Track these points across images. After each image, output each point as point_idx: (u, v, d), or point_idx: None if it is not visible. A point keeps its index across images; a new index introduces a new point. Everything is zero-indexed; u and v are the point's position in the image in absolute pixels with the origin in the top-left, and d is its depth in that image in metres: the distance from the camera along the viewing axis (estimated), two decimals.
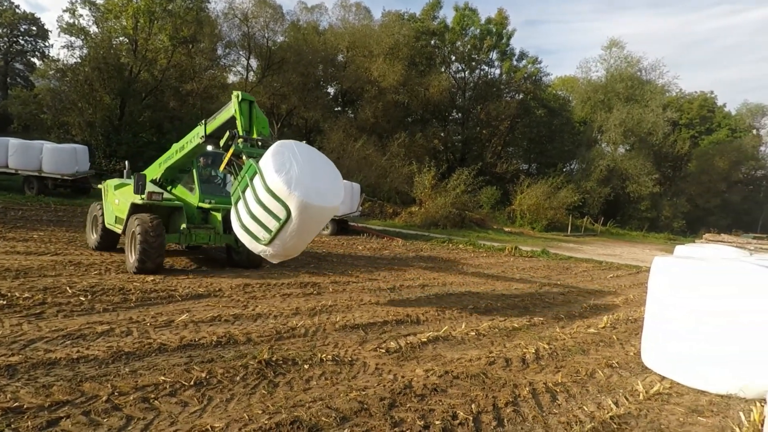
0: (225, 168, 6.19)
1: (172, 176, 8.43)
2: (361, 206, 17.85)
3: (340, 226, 15.94)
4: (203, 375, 3.66)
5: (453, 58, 36.94)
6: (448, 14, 51.37)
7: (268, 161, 5.38)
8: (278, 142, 5.72)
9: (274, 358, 4.13)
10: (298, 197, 5.18)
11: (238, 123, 6.43)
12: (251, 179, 5.53)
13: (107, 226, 8.50)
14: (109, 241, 8.72)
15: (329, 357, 4.32)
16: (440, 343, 5.13)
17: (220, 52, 30.09)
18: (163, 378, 3.54)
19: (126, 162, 9.66)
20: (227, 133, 6.16)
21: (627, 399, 4.00)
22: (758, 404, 3.90)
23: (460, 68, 37.21)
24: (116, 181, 8.96)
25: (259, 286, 7.02)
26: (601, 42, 59.19)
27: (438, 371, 4.21)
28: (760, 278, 4.09)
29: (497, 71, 37.93)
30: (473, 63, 36.57)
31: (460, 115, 38.39)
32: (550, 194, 28.83)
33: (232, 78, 32.21)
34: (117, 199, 8.20)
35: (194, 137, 7.24)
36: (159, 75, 27.09)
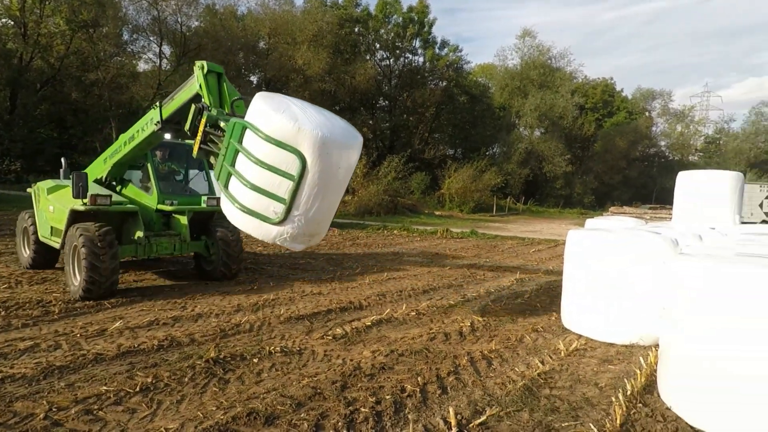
0: (200, 150, 4.74)
1: (121, 174, 7.03)
2: None
3: None
4: (149, 380, 3.58)
5: (377, 46, 37.17)
6: (371, 1, 51.28)
7: (259, 106, 4.04)
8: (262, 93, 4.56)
9: (221, 356, 4.13)
10: (312, 131, 3.84)
11: (206, 101, 5.22)
12: (240, 141, 4.11)
13: (41, 239, 7.09)
14: (47, 258, 7.36)
15: (277, 349, 4.39)
16: (384, 326, 5.38)
17: (126, 37, 27.78)
18: (104, 388, 3.41)
19: (63, 159, 8.19)
20: (192, 108, 4.89)
21: (551, 357, 4.51)
22: (654, 349, 4.58)
23: (384, 56, 37.56)
24: (50, 183, 7.31)
25: (196, 286, 6.83)
26: (515, 31, 62.25)
27: (384, 351, 4.45)
28: (649, 245, 4.78)
29: (421, 59, 38.82)
30: (397, 51, 37.08)
31: (387, 102, 38.88)
32: (475, 177, 30.33)
33: (143, 66, 29.95)
34: (51, 206, 6.77)
35: (147, 124, 5.95)
36: (56, 63, 24.50)
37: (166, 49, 29.40)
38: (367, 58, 35.53)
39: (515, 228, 22.13)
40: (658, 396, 3.68)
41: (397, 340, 4.84)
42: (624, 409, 3.40)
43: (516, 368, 4.20)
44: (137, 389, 3.43)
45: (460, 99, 40.08)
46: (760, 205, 25.94)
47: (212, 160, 4.71)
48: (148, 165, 6.79)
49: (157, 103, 5.84)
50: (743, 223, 9.35)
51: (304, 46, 28.83)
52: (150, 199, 6.79)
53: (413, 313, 5.94)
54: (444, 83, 39.47)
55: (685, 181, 8.73)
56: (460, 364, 4.23)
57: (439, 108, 39.46)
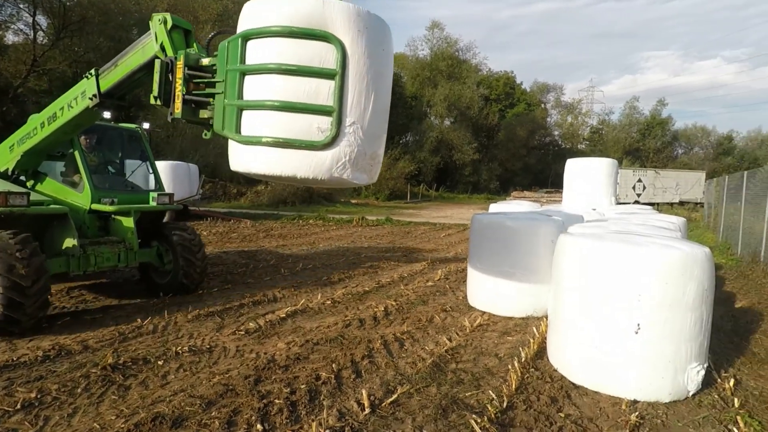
0: (185, 106, 3.65)
1: (35, 165, 5.56)
2: (202, 188, 16.65)
3: (179, 212, 14.66)
4: (32, 395, 3.23)
5: None
6: None
7: (256, 3, 3.23)
8: None
9: (120, 361, 3.84)
10: (341, 2, 3.08)
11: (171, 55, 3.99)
12: (242, 60, 3.20)
13: None
14: None
15: (185, 349, 4.18)
16: (299, 316, 5.36)
17: None
18: None
19: None
20: (157, 65, 3.77)
21: (458, 334, 4.84)
22: (545, 319, 5.13)
23: None
24: None
25: (86, 288, 6.21)
26: (425, 22, 63.75)
27: (299, 342, 4.45)
28: (538, 227, 5.33)
29: None
30: None
31: None
32: (390, 165, 30.97)
33: (11, 37, 25.93)
34: None
35: (77, 99, 4.68)
36: None
37: (42, 20, 25.77)
38: None
39: (428, 214, 23.05)
40: (548, 360, 4.14)
41: (312, 330, 4.86)
42: (519, 374, 3.77)
43: (426, 347, 4.44)
44: (18, 407, 3.08)
45: None
46: (633, 188, 29.72)
47: (206, 114, 3.65)
48: (76, 153, 5.41)
49: (91, 72, 4.63)
50: (619, 203, 10.70)
51: (208, 26, 26.99)
52: (80, 198, 5.44)
53: (329, 302, 5.98)
54: None
55: (572, 168, 9.77)
56: (374, 347, 4.37)
57: None
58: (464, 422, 3.02)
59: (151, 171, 6.37)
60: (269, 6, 3.11)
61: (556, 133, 60.70)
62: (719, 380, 3.90)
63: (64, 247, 5.06)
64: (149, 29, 4.14)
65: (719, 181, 17.41)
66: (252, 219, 15.86)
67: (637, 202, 27.97)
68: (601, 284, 3.61)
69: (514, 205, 8.71)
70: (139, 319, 4.96)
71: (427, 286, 7.13)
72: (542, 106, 58.64)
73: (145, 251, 5.79)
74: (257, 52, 3.17)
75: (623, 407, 3.39)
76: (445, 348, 4.39)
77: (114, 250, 5.38)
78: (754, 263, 9.26)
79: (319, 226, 15.32)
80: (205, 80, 3.63)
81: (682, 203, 30.46)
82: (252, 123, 3.24)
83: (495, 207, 9.12)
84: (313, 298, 6.17)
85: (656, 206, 27.31)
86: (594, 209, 8.58)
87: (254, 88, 3.21)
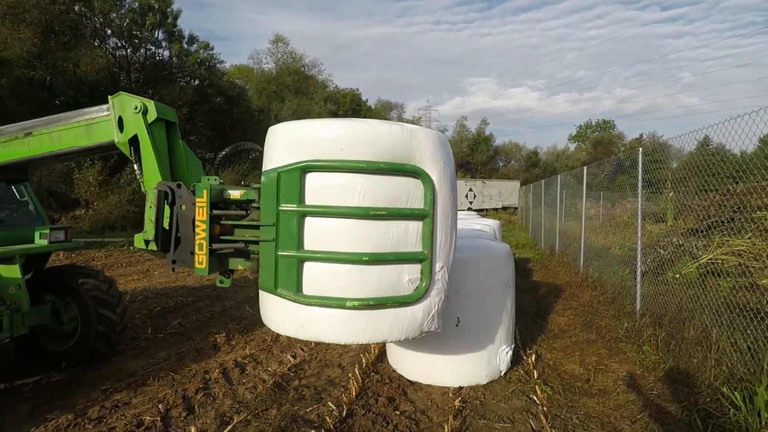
0: (211, 260, 2.82)
1: None
2: None
3: None
4: None
5: (108, 31, 31.81)
6: None
7: (312, 126, 2.63)
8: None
9: None
10: (428, 132, 2.73)
11: (151, 173, 3.11)
12: (301, 189, 2.57)
13: None
14: None
15: None
16: (122, 356, 4.68)
17: None
18: None
19: None
20: (151, 197, 2.91)
21: (303, 350, 4.79)
22: None
23: (119, 45, 32.48)
24: None
25: None
26: (268, 35, 62.88)
27: (119, 386, 3.87)
28: None
29: (167, 53, 35.19)
30: (136, 41, 32.59)
31: None
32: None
33: None
34: None
35: None
36: None
37: None
38: (96, 44, 30.03)
39: None
40: (388, 362, 4.36)
41: (137, 370, 4.28)
42: (359, 381, 3.89)
43: (269, 368, 4.29)
44: None
45: (216, 100, 38.18)
46: (466, 196, 33.67)
47: (244, 265, 2.92)
48: None
49: None
50: None
51: None
52: None
53: (160, 335, 5.36)
54: (197, 82, 36.81)
55: None
56: (211, 378, 4.05)
57: (193, 108, 36.58)
58: None
59: (24, 196, 4.69)
60: (339, 131, 2.54)
61: None
62: (524, 357, 4.59)
63: None
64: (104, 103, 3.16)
65: (526, 189, 20.82)
66: (67, 250, 13.41)
67: (470, 209, 31.75)
68: None
69: None
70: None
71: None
72: None
73: (37, 310, 4.12)
74: (325, 189, 2.55)
75: (450, 395, 3.74)
76: (289, 366, 4.30)
77: None
78: (552, 255, 11.27)
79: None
80: (237, 222, 2.85)
81: (504, 208, 35.61)
82: (320, 278, 2.57)
83: None
84: (141, 332, 5.46)
85: (485, 212, 31.52)
86: None
87: (322, 234, 2.57)
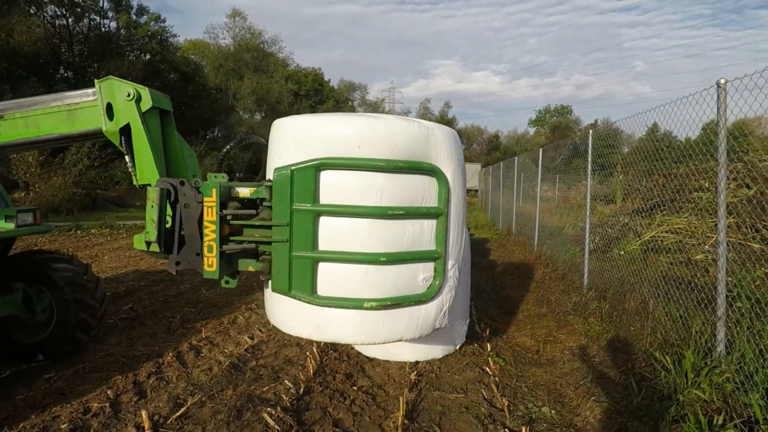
0: (221, 263, 2.73)
1: None
2: None
3: None
4: None
5: None
6: None
7: (327, 121, 2.56)
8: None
9: None
10: (444, 130, 2.70)
11: (144, 167, 2.97)
12: (315, 188, 2.49)
13: None
14: None
15: None
16: None
17: None
18: None
19: None
20: (153, 195, 2.69)
21: (261, 330, 4.75)
22: None
23: (58, 13, 30.15)
24: None
25: None
26: (225, 9, 60.26)
27: (65, 374, 3.71)
28: None
29: (113, 24, 33.05)
30: (78, 9, 30.35)
31: (71, 73, 31.52)
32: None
33: None
34: None
35: None
36: None
37: None
38: (31, 11, 27.74)
39: None
40: None
41: (84, 357, 4.11)
42: (317, 359, 3.92)
43: (226, 350, 4.23)
44: None
45: (169, 76, 36.41)
46: None
47: (255, 267, 2.76)
48: None
49: None
50: None
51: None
52: None
53: (110, 321, 5.16)
54: (147, 56, 34.88)
55: None
56: (165, 362, 3.96)
57: (144, 85, 34.70)
58: (258, 418, 2.98)
59: None
60: (356, 128, 2.43)
61: None
62: (479, 331, 4.75)
63: None
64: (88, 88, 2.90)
65: (486, 171, 21.25)
66: (39, 233, 12.57)
67: None
68: None
69: None
70: None
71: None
72: (350, 103, 61.91)
73: (8, 299, 3.80)
74: (341, 188, 2.47)
75: (407, 369, 3.84)
76: (246, 347, 4.26)
77: None
78: (509, 235, 11.63)
79: (105, 236, 13.08)
80: (247, 222, 2.69)
81: (467, 190, 36.27)
82: (335, 279, 2.50)
83: None
84: None
85: None
86: None
87: (337, 234, 2.48)
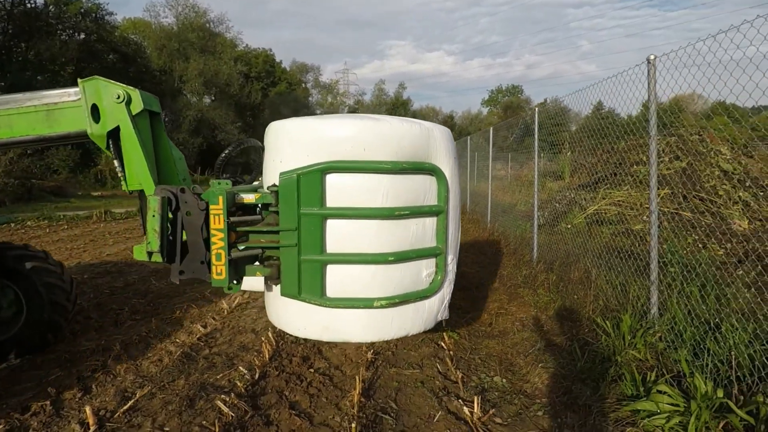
0: (230, 271, 2.61)
1: None
2: None
3: None
4: None
5: None
6: None
7: (332, 124, 2.53)
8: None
9: None
10: (442, 129, 2.78)
11: (136, 166, 2.82)
12: (322, 191, 2.50)
13: None
14: None
15: None
16: None
17: None
18: None
19: None
20: (155, 205, 2.55)
21: (214, 318, 4.64)
22: None
23: None
24: None
25: None
26: None
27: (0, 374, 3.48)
28: None
29: (41, 1, 30.34)
30: None
31: None
32: None
33: None
34: None
35: None
36: None
37: None
38: None
39: None
40: None
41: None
42: (273, 344, 3.88)
43: (177, 340, 4.11)
44: None
45: (108, 57, 34.10)
46: None
47: (264, 272, 2.69)
48: None
49: None
50: None
51: None
52: None
53: None
54: (82, 36, 32.41)
55: None
56: (111, 355, 3.79)
57: (80, 66, 32.30)
58: (212, 406, 2.93)
59: None
60: (360, 131, 2.44)
61: (319, 112, 63.85)
62: None
63: None
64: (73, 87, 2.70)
65: None
66: None
67: None
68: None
69: None
70: None
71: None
72: (303, 85, 60.49)
73: None
74: (347, 190, 2.49)
75: (364, 349, 3.87)
76: (199, 336, 4.15)
77: None
78: (463, 214, 11.89)
79: (43, 228, 12.25)
80: (253, 228, 2.66)
81: None
82: (344, 280, 2.55)
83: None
84: None
85: None
86: None
87: (345, 236, 2.52)
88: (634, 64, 3.60)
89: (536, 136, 5.96)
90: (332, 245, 2.56)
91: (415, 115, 67.18)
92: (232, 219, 2.61)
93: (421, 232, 2.69)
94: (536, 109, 6.09)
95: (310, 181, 2.47)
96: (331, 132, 2.50)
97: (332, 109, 63.00)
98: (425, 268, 2.76)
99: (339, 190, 2.51)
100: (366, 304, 2.58)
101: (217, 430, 2.64)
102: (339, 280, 2.59)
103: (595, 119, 5.52)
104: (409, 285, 2.68)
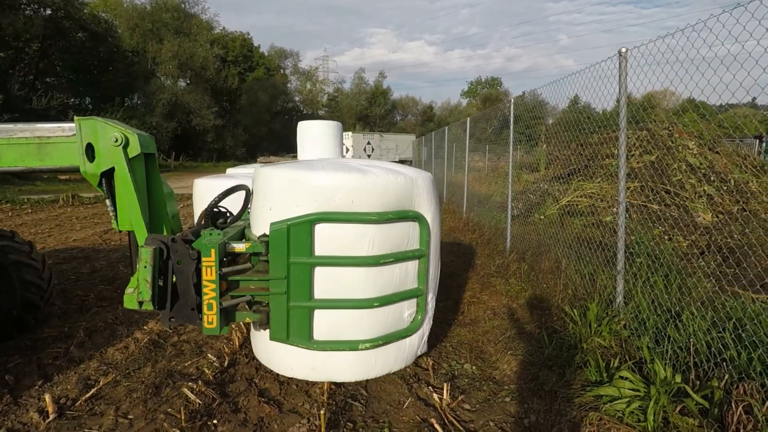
0: (221, 319, 2.64)
1: None
2: None
3: None
4: None
5: None
6: None
7: (316, 176, 2.63)
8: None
9: None
10: (424, 178, 2.92)
11: (129, 207, 2.87)
12: (311, 241, 2.60)
13: None
14: None
15: None
16: None
17: None
18: None
19: None
20: (146, 256, 2.52)
21: None
22: None
23: None
24: None
25: None
26: None
27: None
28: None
29: None
30: None
31: None
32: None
33: None
34: None
35: None
36: None
37: None
38: None
39: None
40: None
41: None
42: (244, 331, 3.83)
43: (144, 327, 4.01)
44: None
45: (77, 35, 32.67)
46: (364, 150, 33.82)
47: (253, 317, 2.72)
48: None
49: None
50: None
51: None
52: None
53: None
54: (48, 12, 30.90)
55: (302, 131, 10.27)
56: (75, 342, 3.67)
57: (46, 44, 30.88)
58: (178, 393, 2.88)
59: None
60: (350, 183, 2.56)
61: (297, 99, 62.93)
62: None
63: None
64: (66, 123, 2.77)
65: (419, 141, 21.53)
66: None
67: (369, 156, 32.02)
68: None
69: (248, 169, 8.62)
70: None
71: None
72: (282, 71, 59.43)
73: None
74: (335, 240, 2.59)
75: None
76: None
77: None
78: (440, 204, 11.96)
79: (5, 212, 11.76)
80: (244, 277, 2.72)
81: (402, 161, 36.60)
82: (331, 324, 2.68)
83: (230, 171, 8.82)
84: None
85: None
86: None
87: (332, 282, 2.64)
88: (608, 57, 3.66)
89: (512, 128, 6.01)
90: (320, 291, 2.68)
91: (395, 104, 66.91)
92: (223, 270, 2.65)
93: (403, 275, 2.85)
94: (512, 100, 6.13)
95: (300, 231, 2.58)
96: (321, 183, 2.60)
97: (311, 97, 62.17)
98: (407, 309, 2.94)
99: (327, 239, 2.62)
100: (352, 346, 2.73)
101: (183, 417, 2.59)
102: (326, 324, 2.72)
103: (571, 113, 5.60)
104: (391, 326, 2.85)
